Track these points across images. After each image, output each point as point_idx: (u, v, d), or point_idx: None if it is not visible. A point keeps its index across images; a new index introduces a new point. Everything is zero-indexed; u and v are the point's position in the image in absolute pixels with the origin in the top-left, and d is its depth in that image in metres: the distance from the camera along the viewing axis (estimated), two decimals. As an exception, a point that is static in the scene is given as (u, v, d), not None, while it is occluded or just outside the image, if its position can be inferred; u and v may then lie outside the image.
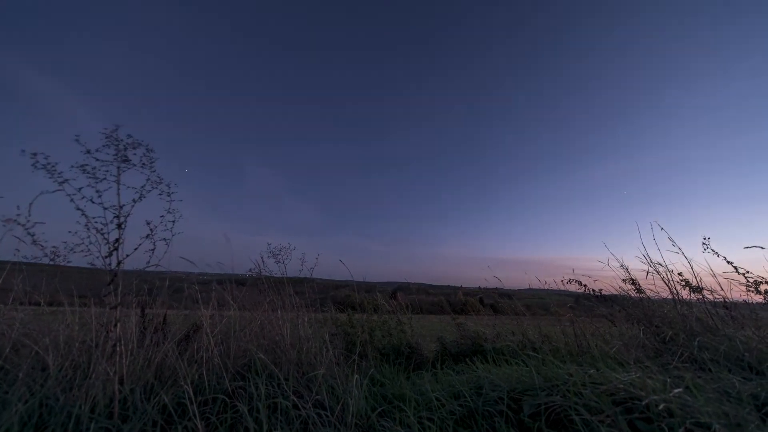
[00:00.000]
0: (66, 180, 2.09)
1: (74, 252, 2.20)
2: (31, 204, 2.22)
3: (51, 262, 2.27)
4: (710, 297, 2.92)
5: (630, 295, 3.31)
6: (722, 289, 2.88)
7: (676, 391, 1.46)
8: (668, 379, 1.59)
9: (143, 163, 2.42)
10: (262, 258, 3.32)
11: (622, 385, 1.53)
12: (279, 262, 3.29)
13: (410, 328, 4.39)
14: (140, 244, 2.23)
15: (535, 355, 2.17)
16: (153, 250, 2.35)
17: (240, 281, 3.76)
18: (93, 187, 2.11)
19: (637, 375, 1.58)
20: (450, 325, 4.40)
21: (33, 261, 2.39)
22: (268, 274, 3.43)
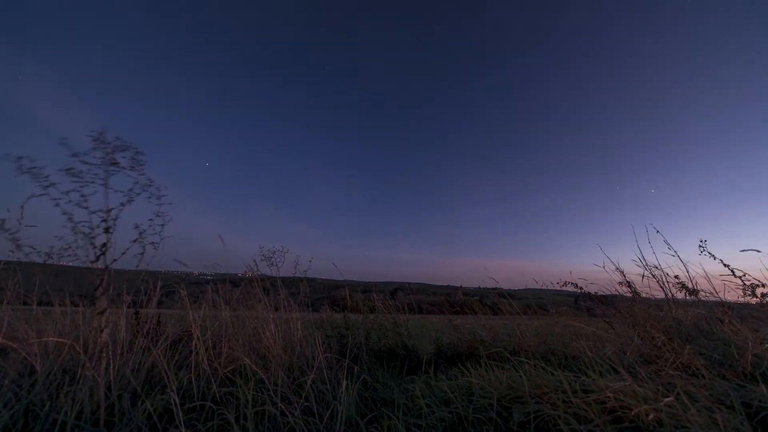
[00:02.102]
0: (52, 184, 2.07)
1: (61, 257, 2.19)
2: (22, 207, 2.22)
3: (44, 262, 2.27)
4: (705, 299, 2.90)
5: (626, 296, 3.29)
6: (717, 293, 2.85)
7: (666, 400, 1.43)
8: (659, 387, 1.57)
9: (132, 166, 2.40)
10: (255, 261, 3.31)
11: (611, 394, 1.51)
12: (272, 264, 3.28)
13: (406, 329, 4.38)
14: (128, 248, 2.22)
15: (527, 361, 2.15)
16: (142, 253, 2.33)
17: (234, 282, 3.75)
18: (78, 191, 2.09)
19: (627, 383, 1.56)
20: (448, 326, 4.38)
21: (25, 261, 2.39)
22: (262, 275, 3.42)
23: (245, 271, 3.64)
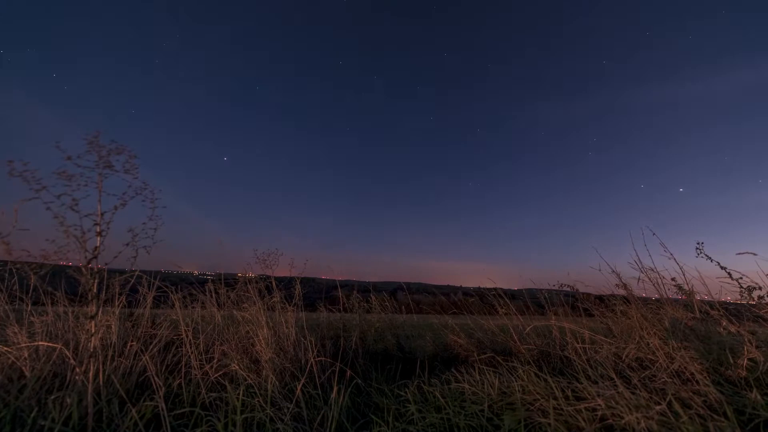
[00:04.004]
0: (44, 187, 2.06)
1: (56, 260, 2.19)
2: (16, 210, 2.23)
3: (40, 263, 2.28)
4: (702, 302, 2.88)
5: (623, 298, 3.27)
6: (714, 295, 2.83)
7: (657, 408, 1.42)
8: (652, 395, 1.56)
9: (126, 170, 2.39)
10: (250, 263, 3.30)
11: (602, 401, 1.49)
12: (267, 267, 3.27)
13: (403, 331, 4.36)
14: (120, 252, 2.21)
15: (521, 366, 2.14)
16: (135, 257, 2.33)
17: (231, 283, 3.73)
18: (69, 195, 2.08)
19: (619, 390, 1.54)
20: (447, 327, 4.36)
21: (21, 260, 2.41)
22: (259, 276, 3.41)
23: (241, 273, 3.64)
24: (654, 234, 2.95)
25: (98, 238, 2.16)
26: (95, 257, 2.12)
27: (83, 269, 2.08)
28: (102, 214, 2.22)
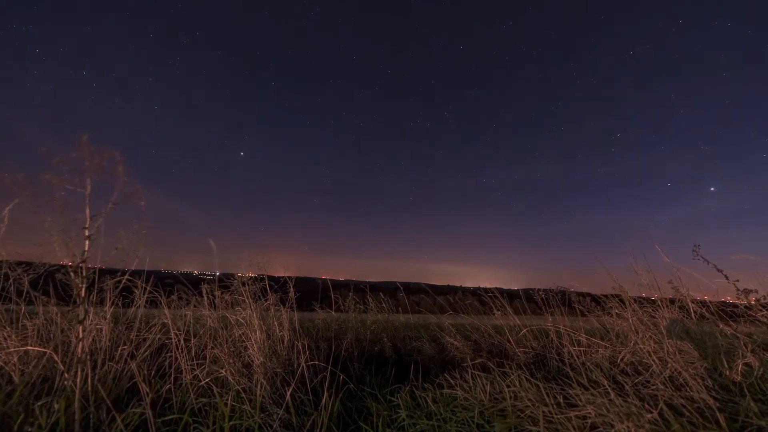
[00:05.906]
0: (32, 191, 2.04)
1: (46, 264, 2.18)
2: (7, 210, 2.23)
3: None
4: (698, 304, 2.86)
5: (619, 300, 3.26)
6: (711, 297, 2.82)
7: (648, 416, 1.40)
8: (644, 402, 1.54)
9: (116, 173, 2.38)
10: (247, 264, 3.29)
11: (593, 409, 1.47)
12: (261, 268, 3.26)
13: (399, 332, 4.35)
14: (110, 255, 2.19)
15: (513, 372, 2.12)
16: (125, 260, 2.31)
17: (226, 285, 3.71)
18: (58, 199, 2.06)
19: (610, 397, 1.52)
20: (445, 328, 4.35)
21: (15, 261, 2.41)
22: (255, 276, 3.40)
23: (240, 273, 3.62)
24: (650, 236, 2.94)
25: (86, 242, 2.14)
26: (84, 261, 2.10)
27: (71, 272, 2.06)
28: (91, 218, 2.20)
